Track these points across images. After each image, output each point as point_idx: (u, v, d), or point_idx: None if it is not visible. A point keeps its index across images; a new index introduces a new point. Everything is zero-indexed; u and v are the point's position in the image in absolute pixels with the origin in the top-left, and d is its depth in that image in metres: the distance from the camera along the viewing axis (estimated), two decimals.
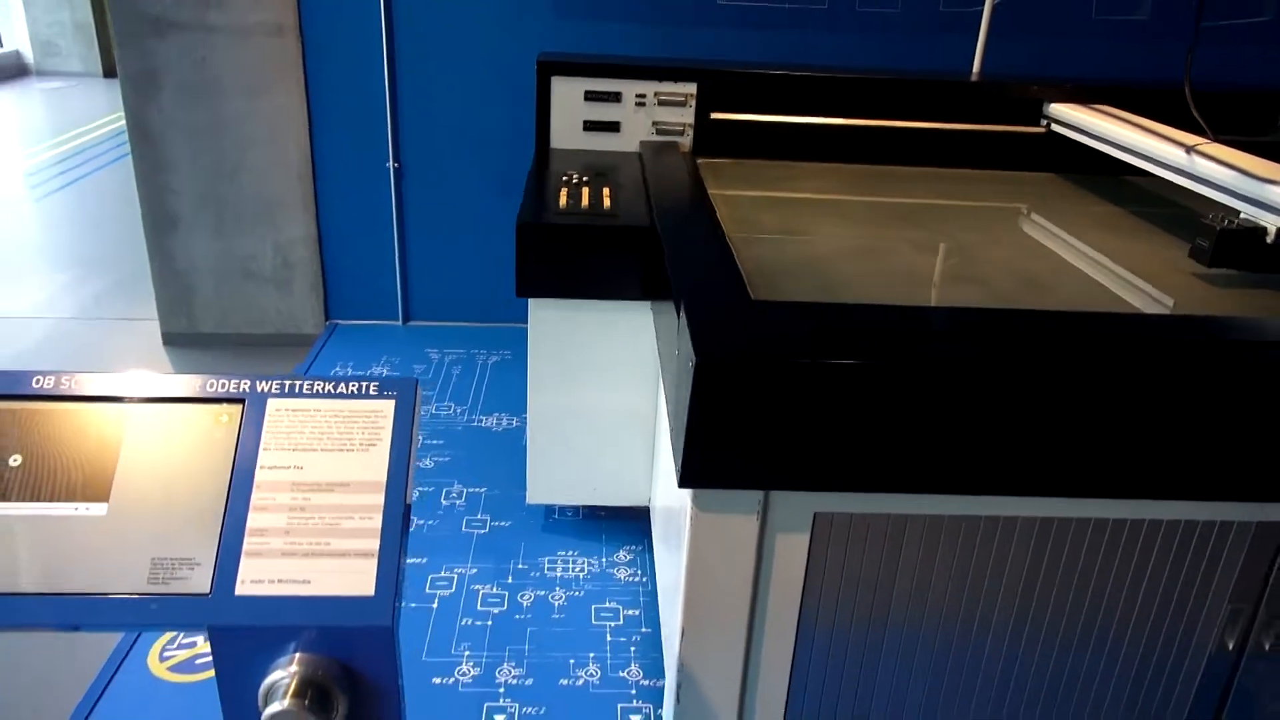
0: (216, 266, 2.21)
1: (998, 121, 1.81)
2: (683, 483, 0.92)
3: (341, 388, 0.75)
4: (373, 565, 0.69)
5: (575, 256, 1.35)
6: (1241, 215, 1.25)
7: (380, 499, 0.71)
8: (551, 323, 1.39)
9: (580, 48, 2.07)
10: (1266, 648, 1.06)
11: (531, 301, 1.39)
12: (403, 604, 1.36)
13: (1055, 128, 1.76)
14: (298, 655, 0.68)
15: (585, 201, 1.41)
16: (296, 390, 0.75)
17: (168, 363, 2.18)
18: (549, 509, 1.60)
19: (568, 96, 1.74)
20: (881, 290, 1.16)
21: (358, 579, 0.68)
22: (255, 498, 0.70)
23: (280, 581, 0.68)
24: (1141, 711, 1.09)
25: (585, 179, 1.53)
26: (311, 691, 0.66)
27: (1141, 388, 0.89)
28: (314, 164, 2.15)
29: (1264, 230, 1.21)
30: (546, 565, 1.46)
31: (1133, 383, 0.88)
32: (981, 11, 2.05)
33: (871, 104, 1.80)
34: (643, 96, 1.74)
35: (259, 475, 0.71)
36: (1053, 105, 1.77)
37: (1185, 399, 0.89)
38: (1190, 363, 0.90)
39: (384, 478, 0.72)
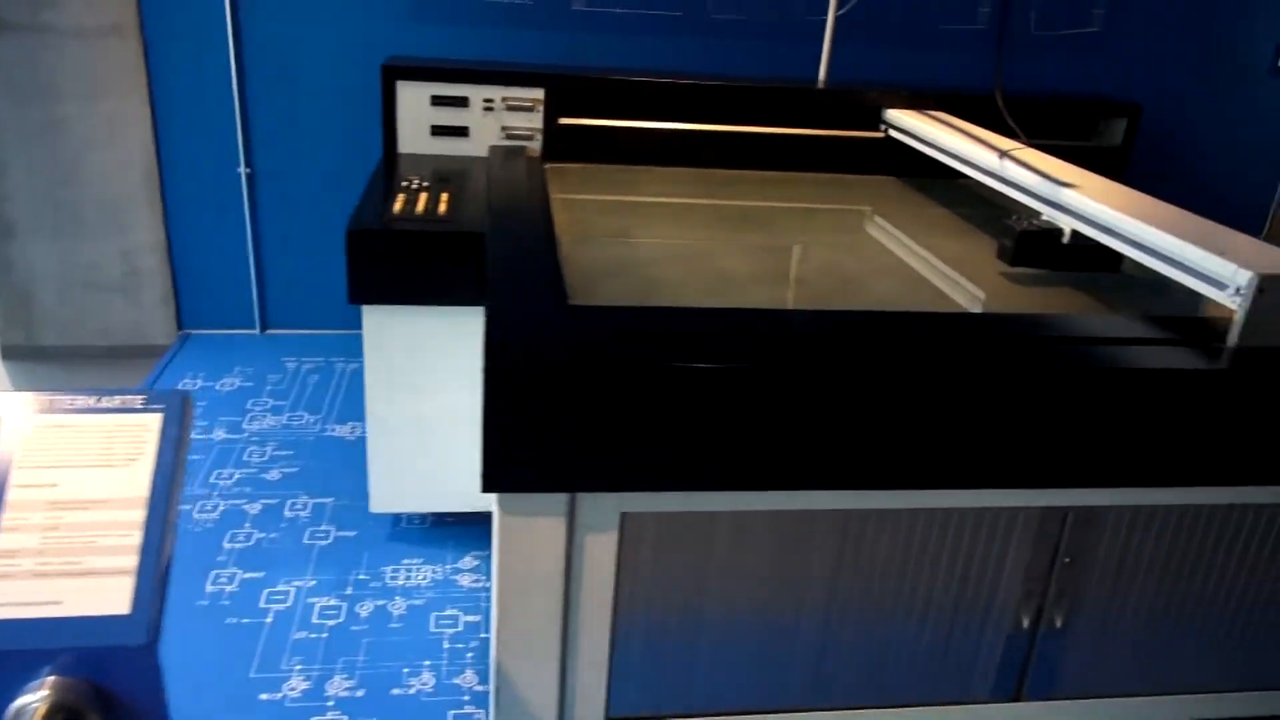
0: (58, 275, 2.12)
1: (842, 127, 1.87)
2: (486, 487, 0.93)
3: (106, 402, 0.74)
4: (130, 583, 0.67)
5: (408, 263, 1.34)
6: (1042, 216, 1.33)
7: (141, 515, 0.70)
8: (386, 329, 1.38)
9: (437, 51, 2.05)
10: (1058, 624, 1.12)
11: (365, 308, 1.37)
12: (235, 621, 1.34)
13: (892, 133, 1.83)
14: (50, 679, 0.66)
15: (421, 207, 1.41)
16: (57, 406, 0.73)
17: (5, 378, 2.08)
18: (396, 518, 1.58)
19: (414, 101, 1.72)
20: (704, 292, 1.19)
21: (113, 597, 0.67)
22: (5, 518, 0.68)
23: (31, 604, 0.66)
24: (949, 687, 1.14)
25: (427, 184, 1.53)
26: (63, 716, 0.65)
27: (930, 383, 0.93)
28: (160, 168, 2.08)
29: (1060, 231, 1.29)
30: (389, 574, 1.45)
31: (922, 378, 0.93)
32: (836, 19, 2.11)
33: (720, 109, 1.84)
34: (490, 101, 1.74)
35: (11, 495, 0.69)
36: (889, 111, 1.84)
37: (970, 393, 0.94)
38: (976, 358, 0.95)
39: (146, 493, 0.70)
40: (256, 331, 2.24)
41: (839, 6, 1.99)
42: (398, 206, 1.40)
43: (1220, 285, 1.01)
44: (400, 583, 1.43)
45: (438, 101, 1.73)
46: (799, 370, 0.91)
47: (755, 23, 2.12)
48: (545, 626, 1.02)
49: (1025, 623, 1.11)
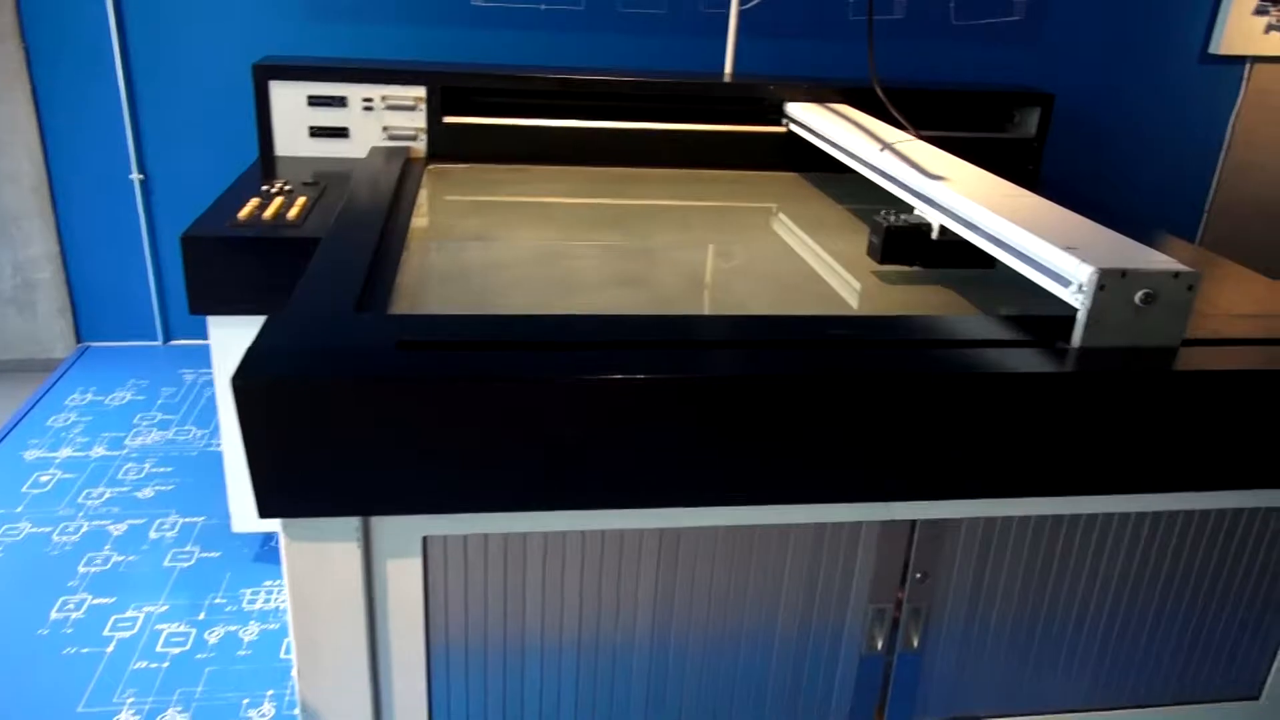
0: None
1: (746, 122, 1.80)
2: (263, 512, 0.86)
3: None
4: None
5: (248, 271, 1.27)
6: (915, 211, 1.26)
7: None
8: (233, 340, 1.31)
9: (333, 50, 1.99)
10: (915, 644, 1.05)
11: (210, 319, 1.31)
12: (74, 650, 1.28)
13: (792, 128, 1.76)
14: None
15: (271, 212, 1.34)
16: None
17: None
18: (266, 536, 1.52)
19: (289, 102, 1.66)
20: (553, 298, 1.12)
21: None
22: None
23: None
24: (803, 713, 1.07)
25: (289, 188, 1.46)
26: None
27: (751, 391, 0.86)
28: (50, 178, 2.01)
29: (929, 227, 1.22)
30: (248, 598, 1.38)
31: (741, 386, 0.86)
32: (747, 13, 2.05)
33: (616, 106, 1.77)
34: (370, 101, 1.67)
35: None
36: (790, 105, 1.77)
37: (796, 401, 0.87)
38: (802, 364, 0.88)
39: None
40: (159, 343, 2.17)
41: (743, 1, 1.93)
42: (245, 212, 1.33)
43: (1065, 282, 0.95)
44: (258, 606, 1.37)
45: (315, 102, 1.66)
46: (598, 381, 0.84)
47: (664, 17, 2.06)
48: (350, 660, 0.95)
49: (879, 644, 1.05)
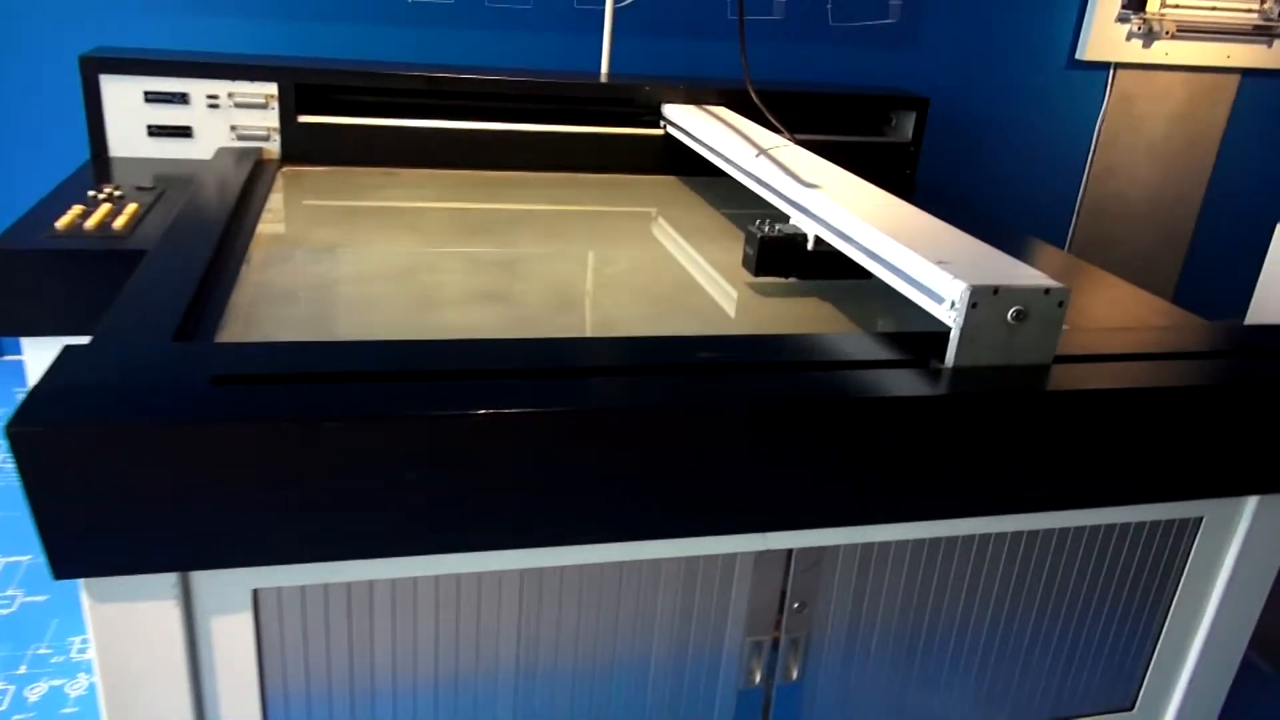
0: None
1: (623, 123, 1.74)
2: (58, 573, 0.76)
3: None
4: None
5: (65, 288, 1.14)
6: (790, 221, 1.22)
7: None
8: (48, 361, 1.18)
9: (192, 44, 1.84)
10: (794, 676, 1.01)
11: (24, 340, 1.17)
12: None
13: (670, 130, 1.71)
14: None
15: (95, 222, 1.21)
16: None
17: None
18: None
19: (124, 98, 1.52)
20: (399, 316, 1.04)
21: None
22: None
23: None
24: None
25: (118, 194, 1.33)
26: None
27: (611, 424, 0.80)
28: None
29: (804, 237, 1.18)
30: (76, 646, 1.25)
31: (601, 419, 0.79)
32: (621, 9, 1.99)
33: (487, 106, 1.69)
34: (215, 98, 1.54)
35: None
36: (666, 106, 1.72)
37: (651, 430, 0.81)
38: (655, 390, 0.82)
39: None
40: None
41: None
42: (64, 221, 1.20)
43: (938, 299, 0.91)
44: (88, 655, 1.24)
45: (152, 98, 1.53)
46: (435, 417, 0.76)
47: (537, 14, 1.98)
48: None
49: (758, 677, 1.00)
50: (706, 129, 1.54)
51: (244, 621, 0.83)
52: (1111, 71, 2.36)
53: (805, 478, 0.86)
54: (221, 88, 1.54)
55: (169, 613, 0.80)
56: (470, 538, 0.82)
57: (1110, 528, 1.04)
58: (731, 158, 1.42)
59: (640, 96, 1.73)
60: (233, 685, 0.85)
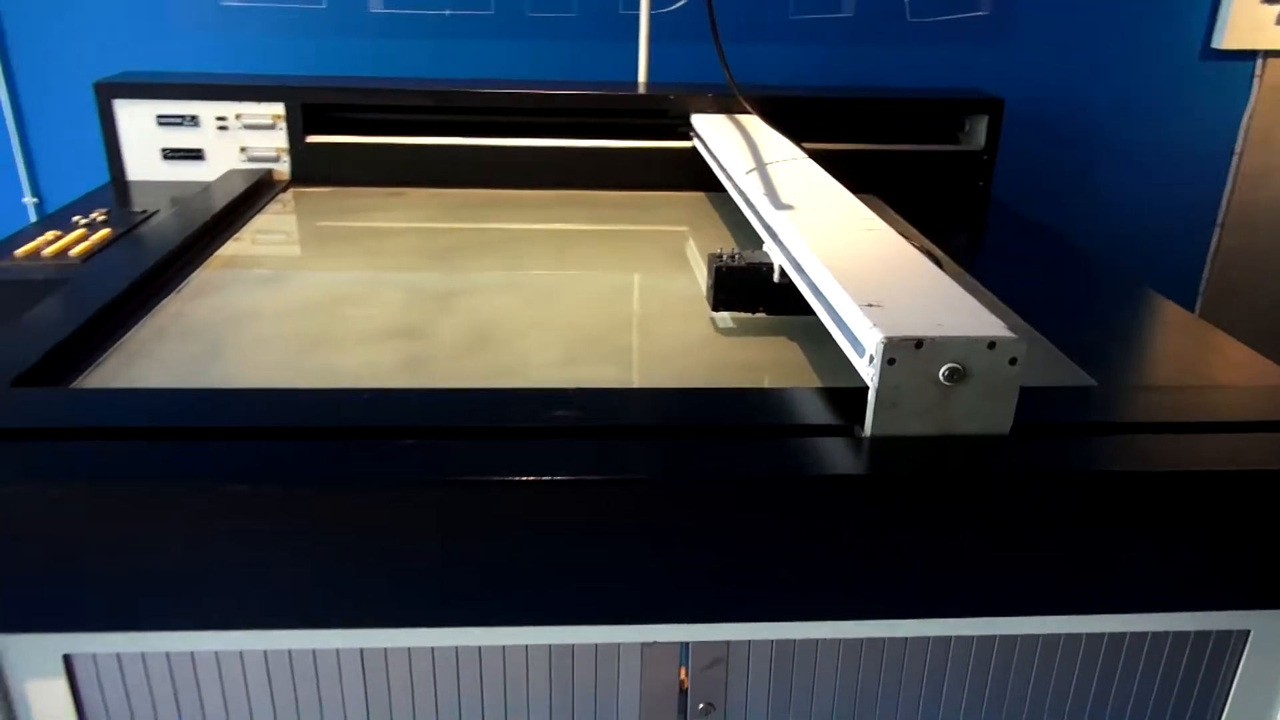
0: None
1: (654, 136, 1.62)
2: None
3: None
4: None
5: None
6: (764, 247, 1.06)
7: None
8: None
9: (228, 64, 1.86)
10: None
11: None
12: None
13: (696, 143, 1.57)
14: None
15: (56, 248, 1.20)
16: None
17: None
18: None
19: (138, 121, 1.53)
20: (289, 355, 0.95)
21: None
22: None
23: None
24: None
25: (100, 219, 1.32)
26: None
27: (409, 495, 0.68)
28: None
29: (769, 266, 1.02)
30: None
31: (386, 489, 0.68)
32: (671, 15, 1.86)
33: (506, 122, 1.61)
34: (224, 119, 1.53)
35: None
36: (695, 117, 1.58)
37: (511, 504, 0.69)
38: (507, 458, 0.70)
39: None
40: None
41: (668, 2, 1.74)
42: (29, 247, 1.20)
43: (860, 350, 0.74)
44: None
45: (164, 121, 1.53)
46: (225, 490, 0.67)
47: (581, 22, 1.88)
48: None
49: None
50: (722, 141, 1.39)
51: (58, 686, 0.77)
52: (1260, 61, 2.02)
53: (669, 564, 0.71)
54: (229, 109, 1.52)
55: None
56: (294, 614, 0.72)
57: (1117, 637, 0.83)
58: (731, 173, 1.27)
59: (669, 107, 1.59)
60: None
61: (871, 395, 0.72)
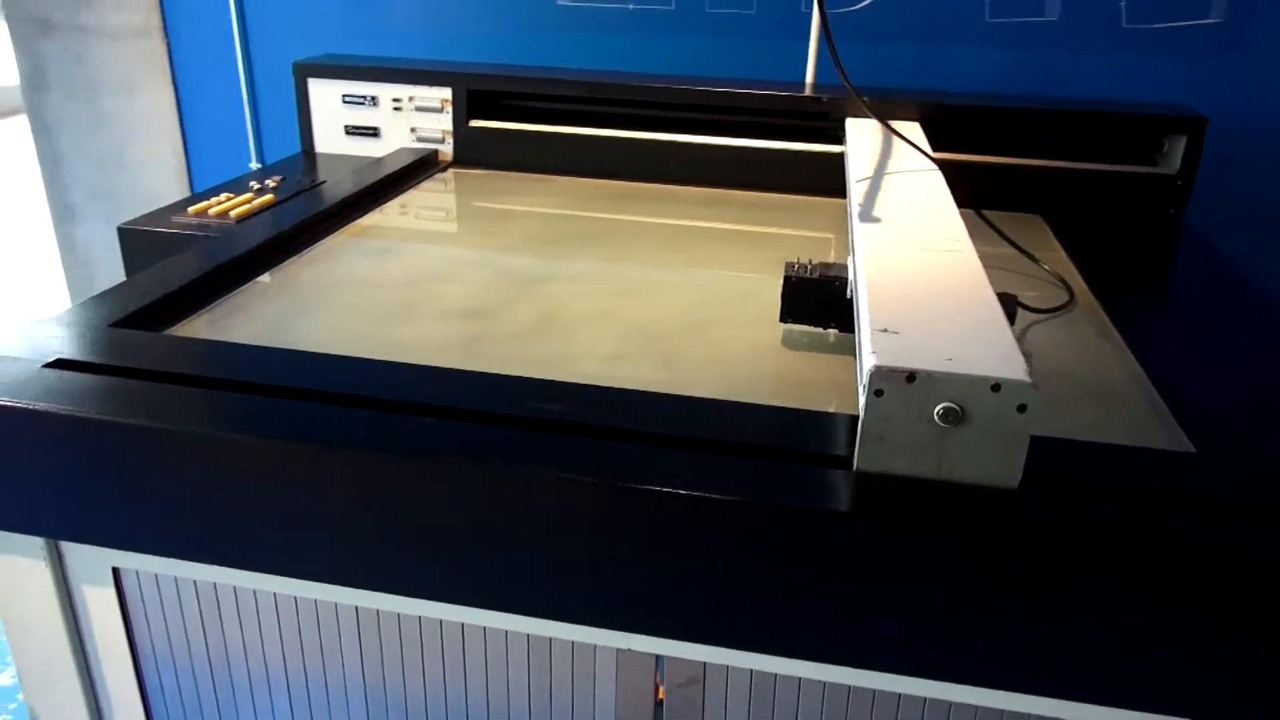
0: (117, 257, 2.31)
1: (810, 139, 1.57)
2: None
3: None
4: None
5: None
6: (848, 260, 1.00)
7: None
8: None
9: (437, 52, 2.00)
10: None
11: None
12: None
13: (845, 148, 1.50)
14: None
15: (220, 209, 1.34)
16: None
17: None
18: None
19: (326, 100, 1.67)
20: (368, 326, 1.02)
21: None
22: None
23: None
24: None
25: (272, 185, 1.46)
26: None
27: (404, 469, 0.71)
28: (189, 164, 2.20)
29: (842, 281, 0.97)
30: None
31: (397, 458, 0.71)
32: (860, 12, 1.80)
33: (662, 116, 1.62)
34: (399, 101, 1.65)
35: None
36: (849, 121, 1.51)
37: (462, 480, 0.71)
38: (478, 443, 0.72)
39: None
40: None
41: (844, 3, 1.69)
42: (200, 206, 1.35)
43: (860, 377, 0.69)
44: None
45: (348, 100, 1.66)
46: (246, 440, 0.73)
47: (760, 19, 1.85)
48: (64, 678, 0.91)
49: None
50: (862, 148, 1.33)
51: (107, 596, 0.87)
52: None
53: (647, 575, 0.70)
54: (404, 91, 1.63)
55: (40, 572, 0.86)
56: (304, 565, 0.77)
57: None
58: (850, 180, 1.21)
59: (822, 109, 1.54)
60: (108, 649, 0.89)
61: (860, 427, 0.66)
